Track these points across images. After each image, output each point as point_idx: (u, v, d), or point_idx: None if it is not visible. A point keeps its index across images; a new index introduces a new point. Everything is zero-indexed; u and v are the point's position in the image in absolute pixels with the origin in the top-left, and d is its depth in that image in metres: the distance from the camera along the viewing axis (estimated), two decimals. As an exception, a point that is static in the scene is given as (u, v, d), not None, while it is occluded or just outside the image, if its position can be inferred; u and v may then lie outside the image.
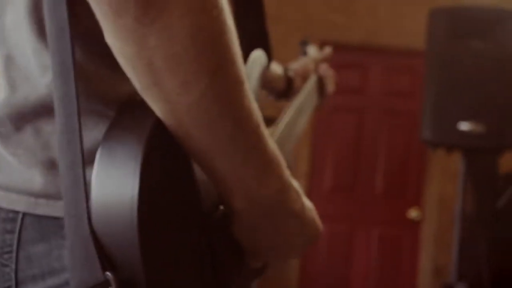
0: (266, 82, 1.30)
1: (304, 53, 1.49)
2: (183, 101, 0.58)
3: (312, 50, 1.50)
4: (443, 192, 4.41)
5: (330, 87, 1.51)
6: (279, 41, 4.49)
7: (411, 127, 4.50)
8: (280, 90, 1.39)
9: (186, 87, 0.57)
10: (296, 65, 1.44)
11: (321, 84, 1.46)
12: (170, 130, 0.60)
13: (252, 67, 0.95)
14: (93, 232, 0.55)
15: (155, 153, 0.58)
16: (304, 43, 1.51)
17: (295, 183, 0.73)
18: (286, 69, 1.39)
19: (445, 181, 4.39)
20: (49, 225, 0.62)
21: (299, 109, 1.22)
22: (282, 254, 0.77)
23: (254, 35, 1.02)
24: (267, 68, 1.02)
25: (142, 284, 0.55)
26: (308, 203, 0.77)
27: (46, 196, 0.62)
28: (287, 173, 0.71)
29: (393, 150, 4.61)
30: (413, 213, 4.52)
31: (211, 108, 0.59)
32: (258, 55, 0.97)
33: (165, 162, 0.61)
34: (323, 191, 4.57)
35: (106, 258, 0.55)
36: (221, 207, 0.69)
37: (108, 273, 0.55)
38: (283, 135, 1.05)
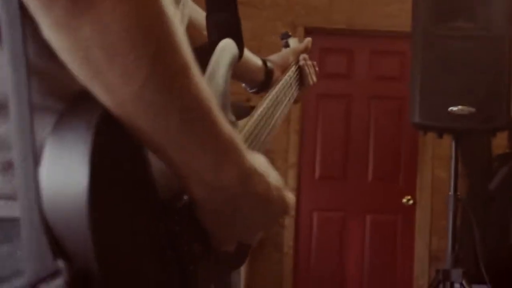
0: (244, 73, 1.33)
1: (286, 46, 1.49)
2: (126, 92, 0.58)
3: (293, 42, 1.51)
4: (435, 177, 4.40)
5: (311, 78, 1.51)
6: (263, 27, 4.52)
7: (401, 112, 4.46)
8: (259, 82, 1.39)
9: (126, 78, 0.57)
10: (275, 57, 1.44)
11: (301, 74, 1.47)
12: (119, 121, 0.60)
13: (221, 54, 0.94)
14: (43, 220, 0.54)
15: (106, 140, 0.57)
16: (285, 36, 1.52)
17: (260, 163, 0.73)
18: (265, 61, 1.39)
19: (437, 166, 4.38)
20: (10, 226, 0.61)
21: (276, 100, 1.22)
22: (249, 234, 0.78)
23: (225, 25, 1.02)
24: (238, 56, 1.01)
25: (95, 273, 0.54)
26: (275, 181, 0.76)
27: (5, 197, 0.62)
28: (247, 157, 0.70)
29: (383, 135, 4.58)
30: (406, 199, 4.48)
31: (154, 98, 0.59)
32: (227, 42, 0.97)
33: (117, 149, 0.61)
34: (314, 180, 4.53)
35: (58, 248, 0.54)
36: (185, 196, 0.69)
37: (60, 262, 0.53)
38: (258, 125, 1.05)
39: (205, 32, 1.00)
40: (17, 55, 0.58)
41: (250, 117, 1.03)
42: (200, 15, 1.12)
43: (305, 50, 1.52)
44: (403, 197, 4.52)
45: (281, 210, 0.78)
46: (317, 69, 1.58)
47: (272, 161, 0.82)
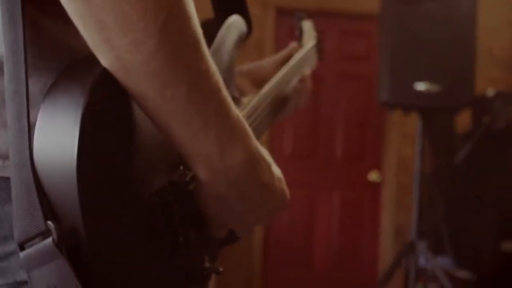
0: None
1: (300, 29, 1.41)
2: (135, 60, 0.57)
3: (307, 26, 1.42)
4: (401, 154, 4.46)
5: (303, 97, 1.27)
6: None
7: (368, 91, 4.53)
8: None
9: (136, 45, 0.56)
10: (250, 65, 1.24)
11: (319, 47, 1.40)
12: (124, 87, 0.60)
13: (228, 30, 0.92)
14: (35, 179, 0.55)
15: (99, 105, 0.57)
16: (299, 18, 1.44)
17: (265, 152, 0.72)
18: None
19: (403, 144, 4.44)
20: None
21: (295, 68, 1.18)
22: (248, 224, 0.76)
23: (232, 1, 0.99)
24: (246, 34, 0.98)
25: (82, 237, 0.54)
26: (277, 172, 0.75)
27: (5, 156, 0.62)
28: (254, 142, 0.69)
29: (351, 114, 4.63)
30: (373, 176, 4.56)
31: (163, 68, 0.58)
32: (235, 19, 0.94)
33: (111, 116, 0.60)
34: (282, 157, 4.58)
35: (48, 208, 0.54)
36: (181, 168, 0.67)
37: (49, 222, 0.54)
38: (262, 103, 1.00)
39: None
40: (12, 6, 0.58)
41: (255, 95, 0.97)
42: None
43: (287, 59, 1.26)
44: (370, 174, 4.59)
45: (281, 203, 0.76)
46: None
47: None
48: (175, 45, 0.58)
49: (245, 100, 0.95)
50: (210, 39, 0.86)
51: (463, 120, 3.93)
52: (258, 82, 1.11)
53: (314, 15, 4.41)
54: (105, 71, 0.59)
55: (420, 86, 3.02)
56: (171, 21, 0.57)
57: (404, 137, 4.42)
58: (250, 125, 0.87)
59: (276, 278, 4.61)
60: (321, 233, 4.64)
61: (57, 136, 0.55)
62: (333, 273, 4.63)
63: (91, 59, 0.59)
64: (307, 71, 1.26)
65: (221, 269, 0.77)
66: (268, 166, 0.72)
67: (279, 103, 1.09)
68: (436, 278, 3.09)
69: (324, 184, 4.64)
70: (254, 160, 0.68)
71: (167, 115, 0.61)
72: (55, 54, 0.64)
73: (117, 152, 0.60)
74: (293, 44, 1.33)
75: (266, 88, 1.02)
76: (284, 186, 0.77)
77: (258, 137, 0.92)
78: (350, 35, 4.60)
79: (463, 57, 3.08)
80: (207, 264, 0.76)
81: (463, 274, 3.61)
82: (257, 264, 4.49)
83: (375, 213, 4.63)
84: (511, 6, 4.59)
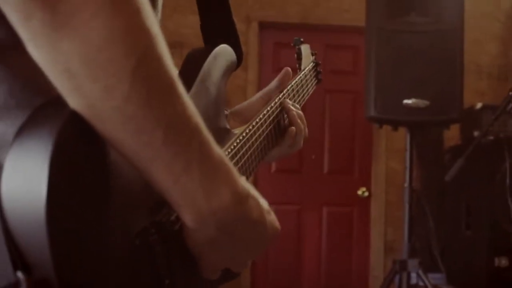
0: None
1: (299, 54, 1.41)
2: (107, 106, 0.55)
3: (306, 50, 1.43)
4: (389, 169, 4.45)
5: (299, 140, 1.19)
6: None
7: (355, 105, 4.50)
8: None
9: (108, 91, 0.55)
10: (243, 104, 1.17)
11: (317, 71, 1.41)
12: (97, 133, 0.57)
13: (214, 60, 0.89)
14: (3, 226, 0.52)
15: (70, 148, 0.55)
16: (297, 42, 1.44)
17: (250, 187, 0.69)
18: None
19: (390, 158, 4.43)
20: None
21: (292, 92, 1.16)
22: (241, 261, 0.73)
23: (220, 29, 0.97)
24: (236, 63, 0.95)
25: (55, 286, 0.51)
26: (265, 205, 0.73)
27: None
28: (240, 181, 0.67)
29: (338, 129, 4.61)
30: (361, 191, 4.53)
31: (137, 113, 0.56)
32: (222, 48, 0.92)
33: (82, 159, 0.57)
34: (270, 173, 4.54)
35: (18, 257, 0.52)
36: (165, 208, 0.66)
37: (19, 273, 0.51)
38: (255, 133, 0.96)
39: None
40: None
41: (248, 125, 0.94)
42: None
43: (280, 87, 1.17)
44: (358, 189, 4.56)
45: (273, 235, 0.74)
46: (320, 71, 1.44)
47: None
48: (148, 89, 0.56)
49: (237, 131, 0.92)
50: (199, 70, 0.85)
51: (451, 133, 3.90)
52: (248, 121, 1.02)
53: (298, 28, 4.45)
54: (74, 114, 0.56)
55: (408, 101, 2.99)
56: (142, 64, 0.55)
57: (391, 151, 4.41)
58: (240, 159, 0.87)
59: (265, 297, 4.55)
60: (309, 248, 4.61)
61: (25, 182, 0.52)
62: (322, 290, 4.59)
63: (61, 100, 0.56)
64: (307, 95, 1.24)
65: None
66: (256, 201, 0.70)
67: (276, 133, 1.04)
68: (428, 295, 3.05)
69: (312, 199, 4.61)
70: (242, 198, 0.66)
71: (145, 160, 0.59)
72: (29, 92, 0.62)
73: (91, 196, 0.57)
74: (285, 72, 1.20)
75: (258, 118, 0.98)
76: (273, 217, 0.74)
77: (249, 170, 0.91)
78: (336, 48, 4.57)
79: (450, 70, 3.06)
80: None
81: (455, 291, 3.57)
82: (244, 283, 4.43)
83: (363, 228, 4.60)
84: (497, 18, 4.58)
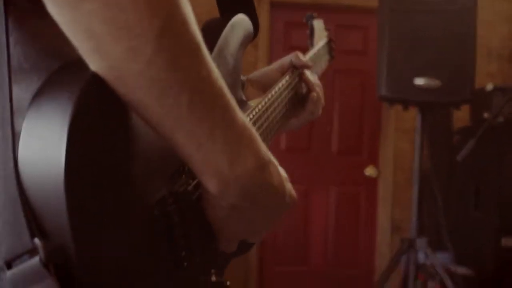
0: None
1: (311, 28, 1.41)
2: (131, 69, 0.54)
3: (318, 24, 1.42)
4: (397, 149, 4.45)
5: (318, 105, 1.24)
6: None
7: (365, 86, 4.50)
8: None
9: (131, 53, 0.53)
10: (256, 73, 1.21)
11: (330, 47, 1.40)
12: (119, 96, 0.56)
13: (231, 31, 0.88)
14: (21, 193, 0.51)
15: (89, 113, 0.53)
16: (309, 18, 1.43)
17: (270, 154, 0.69)
18: None
19: (399, 139, 4.42)
20: None
21: (290, 84, 1.13)
22: (259, 230, 0.73)
23: (236, 1, 0.96)
24: (253, 34, 0.94)
25: (73, 255, 0.50)
26: (283, 173, 0.73)
27: None
28: (262, 147, 0.66)
29: (347, 109, 4.61)
30: (369, 171, 4.54)
31: (161, 76, 0.55)
32: (239, 18, 0.90)
33: (103, 124, 0.56)
34: (279, 151, 4.55)
35: (35, 224, 0.51)
36: (183, 177, 0.65)
37: (36, 240, 0.51)
38: (271, 106, 0.97)
39: None
40: None
41: (263, 97, 0.94)
42: None
43: (301, 66, 1.19)
44: (366, 169, 4.56)
45: (291, 203, 0.73)
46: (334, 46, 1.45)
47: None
48: (173, 51, 0.55)
49: (252, 103, 0.92)
50: (215, 40, 0.84)
51: (460, 114, 3.90)
52: (266, 89, 1.05)
53: (309, 8, 4.43)
54: (95, 77, 0.55)
55: (419, 81, 2.99)
56: (168, 27, 0.54)
57: (400, 132, 4.41)
58: (258, 128, 0.86)
59: (273, 274, 4.58)
60: (317, 227, 4.62)
61: (43, 147, 0.51)
62: (329, 268, 4.62)
63: (81, 64, 0.55)
64: (320, 70, 1.25)
65: (228, 282, 0.75)
66: (276, 168, 0.70)
67: (294, 103, 1.06)
68: (435, 274, 3.07)
69: (320, 178, 4.61)
70: (264, 164, 0.66)
71: (169, 124, 0.58)
72: (45, 56, 0.60)
73: (110, 162, 0.56)
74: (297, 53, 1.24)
75: (275, 89, 0.99)
76: (290, 185, 0.75)
77: (266, 140, 0.91)
78: (347, 29, 4.56)
79: (463, 51, 3.05)
80: (213, 278, 0.73)
81: (463, 270, 3.59)
82: (253, 260, 4.46)
83: (371, 207, 4.62)
84: (509, 0, 4.56)
